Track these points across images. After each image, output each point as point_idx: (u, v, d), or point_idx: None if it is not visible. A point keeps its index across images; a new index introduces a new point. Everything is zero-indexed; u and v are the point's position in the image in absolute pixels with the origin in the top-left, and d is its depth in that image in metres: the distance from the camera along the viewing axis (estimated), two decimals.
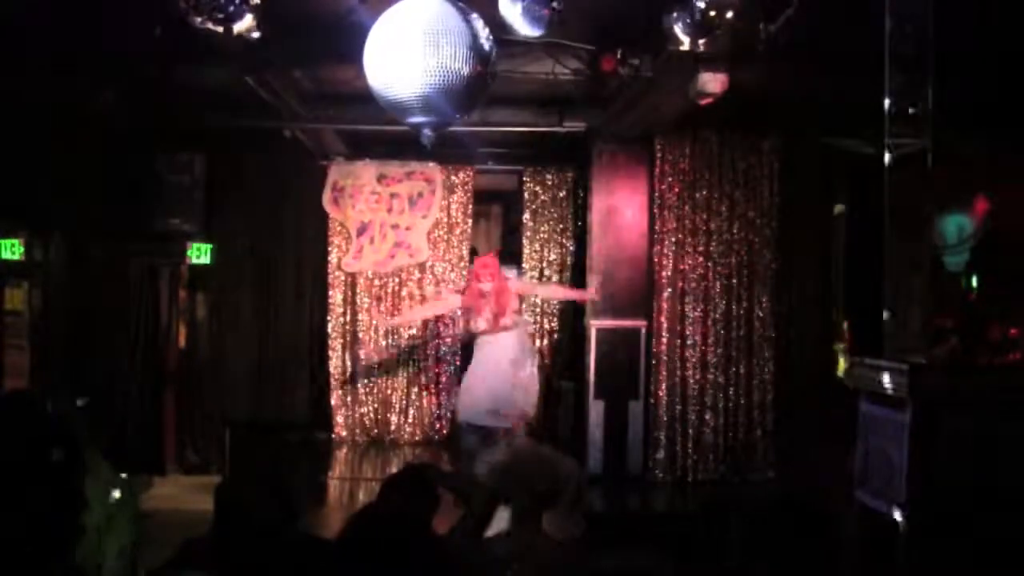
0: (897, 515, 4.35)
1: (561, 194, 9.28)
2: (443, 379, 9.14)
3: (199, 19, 4.73)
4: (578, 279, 8.78)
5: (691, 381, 8.02)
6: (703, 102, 5.84)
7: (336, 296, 9.06)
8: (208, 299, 8.73)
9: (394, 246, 8.88)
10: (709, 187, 8.02)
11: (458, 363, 9.08)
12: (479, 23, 4.06)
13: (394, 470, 8.12)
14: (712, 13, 4.75)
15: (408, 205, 8.88)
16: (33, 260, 7.76)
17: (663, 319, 7.98)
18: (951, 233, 7.64)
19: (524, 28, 4.71)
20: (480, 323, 7.26)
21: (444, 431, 9.11)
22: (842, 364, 8.05)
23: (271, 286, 8.74)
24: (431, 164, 8.84)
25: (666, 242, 8.00)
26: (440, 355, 9.14)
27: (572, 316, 8.98)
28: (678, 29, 4.95)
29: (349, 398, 9.11)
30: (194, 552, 2.81)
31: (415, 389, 9.15)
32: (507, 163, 9.26)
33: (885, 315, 5.28)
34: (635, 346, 8.01)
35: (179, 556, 2.82)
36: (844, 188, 8.51)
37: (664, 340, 7.99)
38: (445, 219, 9.04)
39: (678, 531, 6.44)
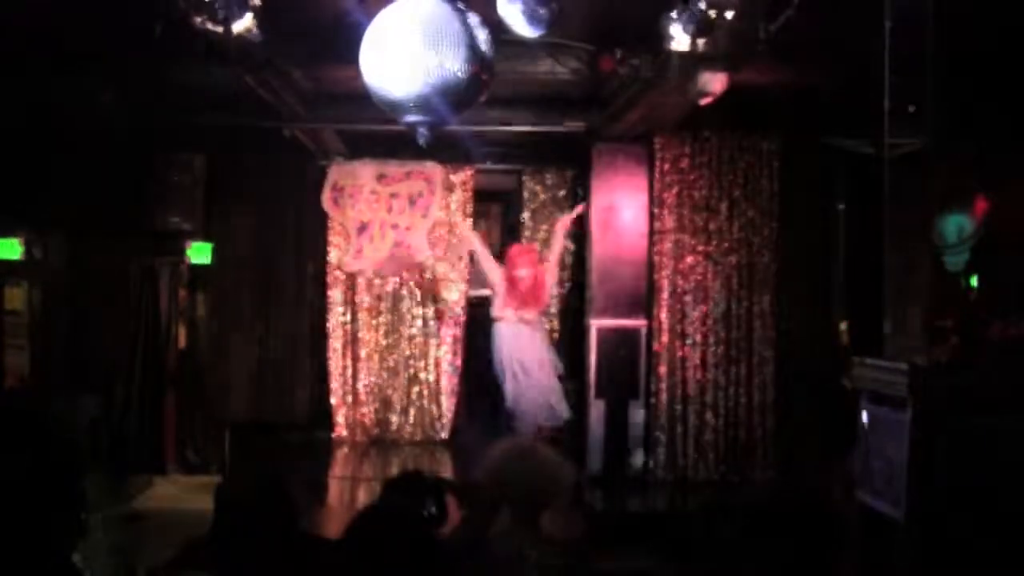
0: (897, 515, 4.35)
1: (561, 194, 9.28)
2: (443, 379, 9.13)
3: (199, 19, 4.73)
4: (578, 279, 8.78)
5: (691, 381, 8.02)
6: (703, 102, 5.84)
7: (336, 296, 9.06)
8: (208, 299, 8.74)
9: (394, 246, 8.87)
10: (709, 187, 8.02)
11: (458, 363, 9.09)
12: (477, 22, 4.05)
13: (394, 470, 8.17)
14: (712, 13, 4.75)
15: (408, 205, 8.87)
16: (33, 260, 7.76)
17: (663, 319, 7.99)
18: (951, 233, 7.63)
19: (523, 28, 4.71)
20: (504, 308, 7.46)
21: (444, 431, 9.11)
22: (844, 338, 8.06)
23: (271, 286, 8.74)
24: (431, 164, 8.83)
25: (666, 242, 8.00)
26: (440, 356, 9.14)
27: (572, 316, 8.98)
28: (678, 29, 4.96)
29: (349, 398, 9.11)
30: (194, 552, 2.81)
31: (415, 389, 9.14)
32: (507, 163, 9.26)
33: (885, 315, 5.28)
34: (635, 346, 8.01)
35: (180, 556, 2.82)
36: (844, 188, 8.51)
37: (664, 340, 7.99)
38: (445, 219, 9.04)
39: (678, 531, 6.45)
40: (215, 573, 2.68)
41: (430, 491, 3.18)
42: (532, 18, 4.65)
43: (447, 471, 8.25)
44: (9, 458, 2.10)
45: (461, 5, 4.05)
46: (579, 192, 9.03)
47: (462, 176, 9.08)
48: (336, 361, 9.06)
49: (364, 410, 9.13)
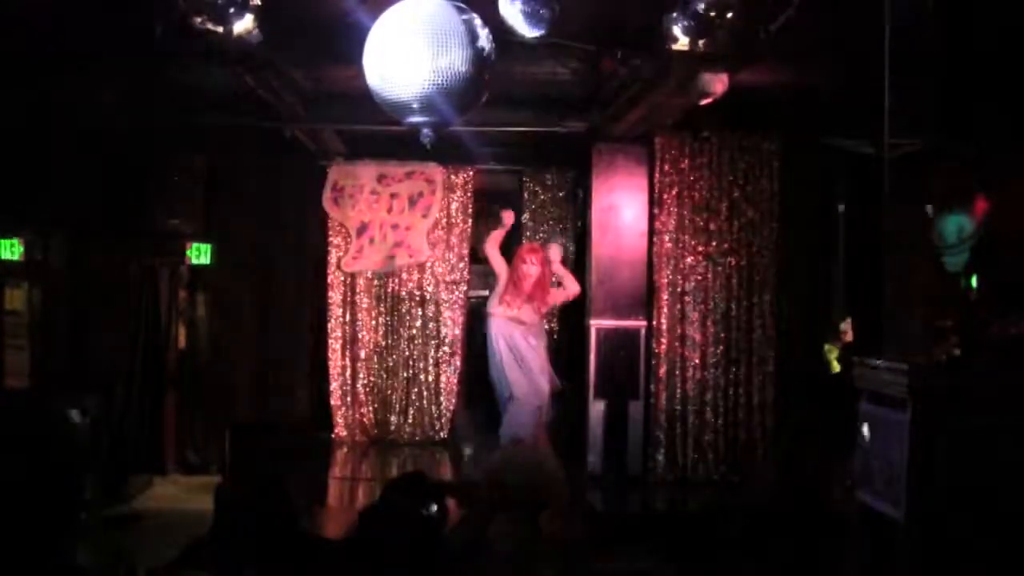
0: (897, 515, 4.35)
1: (561, 194, 9.30)
2: (443, 379, 9.14)
3: (199, 19, 4.73)
4: (578, 279, 8.77)
5: (691, 381, 8.02)
6: (703, 102, 5.84)
7: (336, 296, 9.06)
8: (208, 299, 8.73)
9: (394, 246, 8.88)
10: (709, 187, 8.02)
11: (458, 364, 9.09)
12: (478, 23, 4.06)
13: (394, 470, 8.18)
14: (712, 13, 4.75)
15: (408, 205, 8.88)
16: (33, 260, 7.75)
17: (663, 319, 7.99)
18: (951, 233, 7.62)
19: (524, 28, 4.71)
20: (498, 305, 7.47)
21: (444, 431, 9.11)
22: (834, 365, 8.04)
23: (271, 286, 8.74)
24: (431, 164, 8.84)
25: (666, 242, 8.00)
26: (440, 356, 9.14)
27: (572, 316, 8.98)
28: (678, 29, 4.95)
29: (349, 398, 9.11)
30: (194, 552, 2.81)
31: (415, 389, 9.15)
32: (507, 163, 9.27)
33: (885, 315, 5.28)
34: (635, 346, 8.01)
35: (180, 556, 2.82)
36: (844, 188, 8.51)
37: (664, 340, 7.99)
38: (445, 219, 9.04)
39: (678, 531, 6.45)
40: (215, 573, 2.68)
41: (430, 492, 3.18)
42: (532, 18, 4.66)
43: (447, 471, 8.26)
44: (9, 458, 2.10)
45: (462, 5, 4.05)
46: (579, 192, 9.04)
47: (463, 176, 9.09)
48: (336, 361, 9.06)
49: (364, 410, 9.13)
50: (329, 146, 8.72)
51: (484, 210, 9.23)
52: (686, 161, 8.01)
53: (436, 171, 8.89)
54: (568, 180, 9.26)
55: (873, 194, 5.37)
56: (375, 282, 9.09)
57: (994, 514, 4.18)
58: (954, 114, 5.15)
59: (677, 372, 8.01)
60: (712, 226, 8.02)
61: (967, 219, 7.50)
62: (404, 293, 9.10)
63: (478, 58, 3.97)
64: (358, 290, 9.08)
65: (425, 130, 4.18)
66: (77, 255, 7.87)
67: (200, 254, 8.39)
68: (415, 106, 4.02)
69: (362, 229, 8.90)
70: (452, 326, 9.09)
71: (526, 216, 9.28)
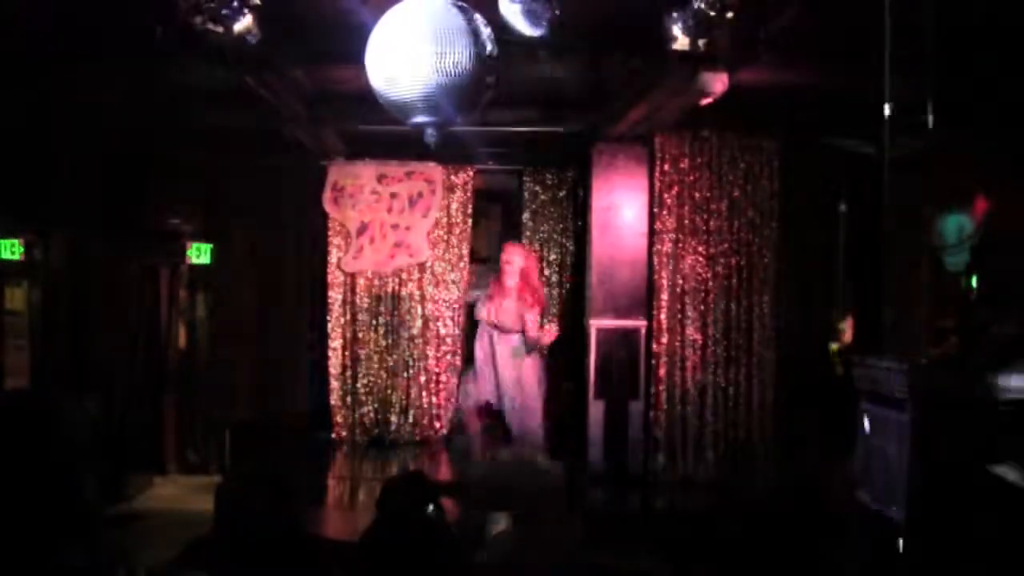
0: (897, 515, 4.35)
1: (561, 194, 9.29)
2: (443, 379, 9.13)
3: (199, 19, 4.73)
4: (578, 279, 8.79)
5: (691, 381, 8.02)
6: (703, 102, 5.84)
7: (336, 296, 9.05)
8: (208, 299, 8.74)
9: (394, 246, 8.88)
10: (709, 187, 8.02)
11: (459, 364, 9.09)
12: (482, 22, 4.06)
13: (394, 470, 8.18)
14: (712, 13, 4.75)
15: (408, 205, 8.88)
16: (33, 260, 7.75)
17: (663, 319, 7.99)
18: (951, 233, 7.62)
19: (524, 28, 4.71)
20: (482, 311, 7.50)
21: (444, 431, 9.11)
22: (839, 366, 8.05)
23: (271, 286, 8.74)
24: (431, 164, 8.84)
25: (666, 242, 8.00)
26: (440, 355, 9.14)
27: (572, 316, 8.99)
28: (678, 29, 4.95)
29: (349, 398, 9.11)
30: (194, 552, 2.81)
31: (415, 389, 9.14)
32: (507, 163, 9.27)
33: (885, 315, 5.28)
34: (635, 346, 8.01)
35: (180, 556, 2.82)
36: (844, 188, 8.51)
37: (664, 340, 7.99)
38: (445, 219, 9.04)
39: (678, 531, 6.45)
40: (215, 573, 2.68)
41: (429, 493, 3.19)
42: (532, 18, 4.65)
43: (446, 471, 8.26)
44: (9, 458, 2.10)
45: (465, 5, 4.05)
46: (579, 192, 9.04)
47: (463, 176, 9.09)
48: (336, 361, 9.06)
49: (363, 410, 9.12)
50: (329, 146, 8.71)
51: (484, 210, 9.26)
52: (686, 161, 8.02)
53: (436, 171, 8.90)
54: (568, 180, 9.26)
55: (873, 194, 5.36)
56: (375, 282, 9.08)
57: (994, 514, 4.19)
58: (954, 114, 5.14)
59: (677, 372, 8.01)
60: (712, 226, 8.02)
61: (967, 219, 7.51)
62: (404, 293, 9.09)
63: (482, 58, 3.97)
64: (358, 290, 9.07)
65: (429, 130, 4.18)
66: (77, 255, 7.87)
67: (200, 254, 8.39)
68: (419, 106, 4.02)
69: (362, 229, 8.90)
70: (452, 326, 9.09)
71: (526, 216, 9.28)
